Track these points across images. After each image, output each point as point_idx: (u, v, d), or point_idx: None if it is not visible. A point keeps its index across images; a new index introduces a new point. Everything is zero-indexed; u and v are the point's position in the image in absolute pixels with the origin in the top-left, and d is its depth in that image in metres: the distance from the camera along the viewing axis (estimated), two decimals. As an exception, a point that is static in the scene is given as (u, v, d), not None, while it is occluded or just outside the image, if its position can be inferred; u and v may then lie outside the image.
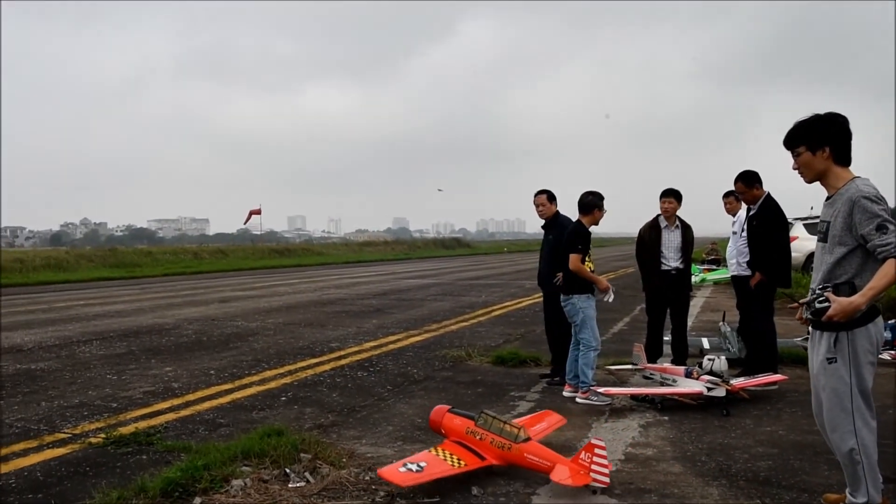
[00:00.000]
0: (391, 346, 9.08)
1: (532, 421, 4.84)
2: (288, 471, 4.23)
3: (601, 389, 5.96)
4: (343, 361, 8.03)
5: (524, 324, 11.17)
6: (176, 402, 6.13)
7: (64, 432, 5.22)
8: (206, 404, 6.01)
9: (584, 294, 6.20)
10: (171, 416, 5.67)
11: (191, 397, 6.29)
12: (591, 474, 3.80)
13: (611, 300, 6.37)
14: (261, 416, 5.59)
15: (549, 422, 4.90)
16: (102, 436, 5.08)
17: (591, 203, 6.31)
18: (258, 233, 57.86)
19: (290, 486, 4.05)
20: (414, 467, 4.02)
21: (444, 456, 4.22)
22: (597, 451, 3.82)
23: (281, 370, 7.47)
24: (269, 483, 4.07)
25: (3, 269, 26.36)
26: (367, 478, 4.18)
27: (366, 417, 5.63)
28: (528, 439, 4.20)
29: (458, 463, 4.15)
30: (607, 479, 3.82)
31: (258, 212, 50.41)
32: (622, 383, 6.70)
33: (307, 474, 4.21)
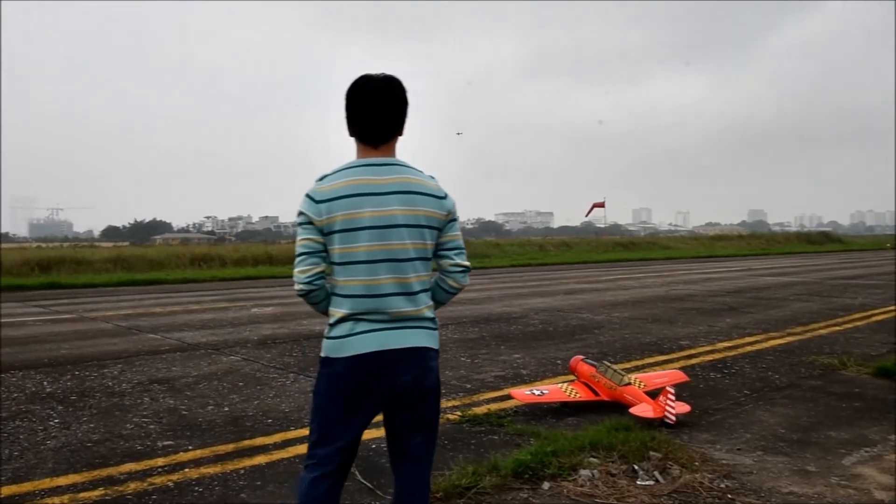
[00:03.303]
0: (748, 348, 8.55)
1: (655, 375, 6.22)
2: (636, 467, 4.21)
3: None
4: (693, 361, 7.77)
5: (915, 332, 9.74)
6: (525, 388, 6.44)
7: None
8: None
9: None
10: (520, 402, 5.97)
11: (539, 385, 6.56)
12: (665, 412, 5.11)
13: None
14: (606, 410, 5.63)
15: (671, 378, 6.06)
16: (458, 413, 5.54)
17: None
18: (602, 226, 58.70)
19: (638, 483, 4.03)
20: (538, 392, 5.69)
21: (566, 389, 5.76)
22: (670, 396, 5.16)
23: (627, 365, 7.45)
24: (616, 477, 4.10)
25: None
26: (724, 485, 3.98)
27: (720, 421, 5.38)
28: (628, 384, 5.64)
29: (574, 394, 5.71)
30: (674, 418, 5.10)
31: (602, 205, 50.97)
32: None
33: (657, 473, 4.15)
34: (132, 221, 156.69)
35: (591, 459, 4.31)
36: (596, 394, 5.78)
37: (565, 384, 5.88)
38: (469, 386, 6.58)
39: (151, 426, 5.33)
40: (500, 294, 16.07)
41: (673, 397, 5.18)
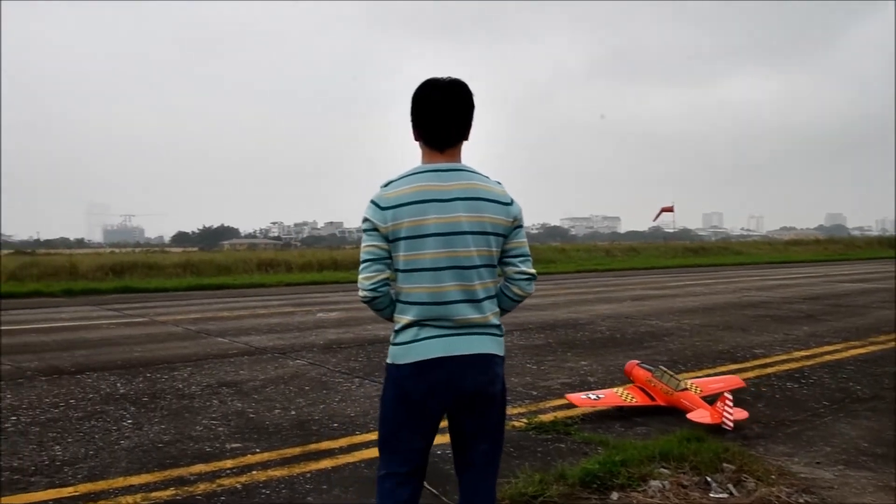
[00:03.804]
0: (826, 357, 8.27)
1: (711, 380, 6.25)
2: (709, 479, 4.11)
3: None
4: (769, 370, 7.55)
5: None
6: (581, 392, 6.36)
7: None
8: (622, 401, 6.12)
9: None
10: (587, 409, 5.90)
11: (596, 390, 6.47)
12: (723, 418, 5.11)
13: None
14: (678, 419, 5.52)
15: (728, 383, 6.11)
16: (525, 421, 5.51)
17: None
18: (671, 230, 57.72)
19: (711, 495, 3.94)
20: (593, 396, 5.77)
21: (621, 393, 5.81)
22: (727, 402, 5.14)
23: (698, 374, 7.29)
24: (688, 489, 4.01)
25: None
26: (803, 500, 3.86)
27: (798, 433, 5.21)
28: (685, 389, 5.64)
29: (630, 399, 5.75)
30: (732, 424, 5.08)
31: (670, 209, 50.12)
32: None
33: (731, 486, 4.04)
34: (201, 227, 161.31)
35: (662, 470, 4.23)
36: (652, 399, 5.82)
37: (621, 389, 5.95)
38: (535, 393, 6.53)
39: (220, 428, 5.45)
40: (566, 300, 15.92)
41: (731, 403, 5.17)
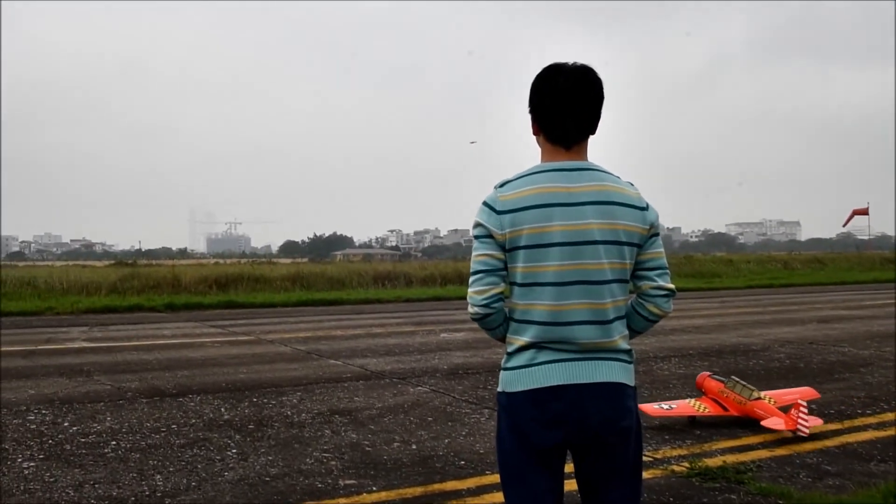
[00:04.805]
0: None
1: (784, 392, 6.87)
2: (924, 546, 3.83)
3: None
4: None
5: None
6: (769, 437, 6.10)
7: (644, 455, 5.62)
8: (808, 445, 5.84)
9: None
10: (763, 453, 5.66)
11: (787, 434, 6.19)
12: (798, 424, 5.80)
13: None
14: (881, 470, 5.20)
15: (802, 394, 6.68)
16: (686, 465, 5.32)
17: None
18: (865, 237, 55.25)
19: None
20: (666, 406, 6.47)
21: (694, 404, 6.53)
22: (801, 409, 5.85)
23: (906, 413, 6.86)
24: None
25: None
26: None
27: None
28: (758, 398, 6.30)
29: (702, 409, 6.48)
30: (807, 431, 5.81)
31: (865, 211, 47.84)
32: None
33: (953, 556, 3.74)
34: (311, 236, 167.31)
35: (862, 532, 3.98)
36: (725, 409, 6.52)
37: (694, 400, 6.66)
38: (698, 432, 6.32)
39: (332, 462, 5.56)
40: (734, 321, 15.44)
41: (805, 410, 5.89)
